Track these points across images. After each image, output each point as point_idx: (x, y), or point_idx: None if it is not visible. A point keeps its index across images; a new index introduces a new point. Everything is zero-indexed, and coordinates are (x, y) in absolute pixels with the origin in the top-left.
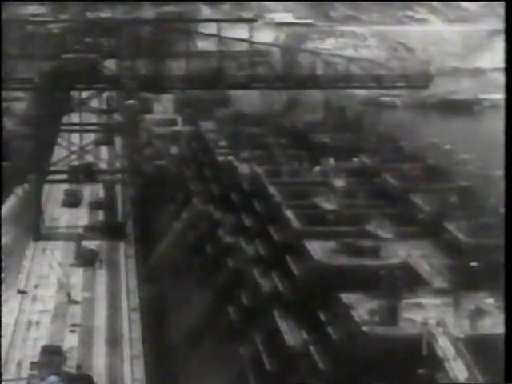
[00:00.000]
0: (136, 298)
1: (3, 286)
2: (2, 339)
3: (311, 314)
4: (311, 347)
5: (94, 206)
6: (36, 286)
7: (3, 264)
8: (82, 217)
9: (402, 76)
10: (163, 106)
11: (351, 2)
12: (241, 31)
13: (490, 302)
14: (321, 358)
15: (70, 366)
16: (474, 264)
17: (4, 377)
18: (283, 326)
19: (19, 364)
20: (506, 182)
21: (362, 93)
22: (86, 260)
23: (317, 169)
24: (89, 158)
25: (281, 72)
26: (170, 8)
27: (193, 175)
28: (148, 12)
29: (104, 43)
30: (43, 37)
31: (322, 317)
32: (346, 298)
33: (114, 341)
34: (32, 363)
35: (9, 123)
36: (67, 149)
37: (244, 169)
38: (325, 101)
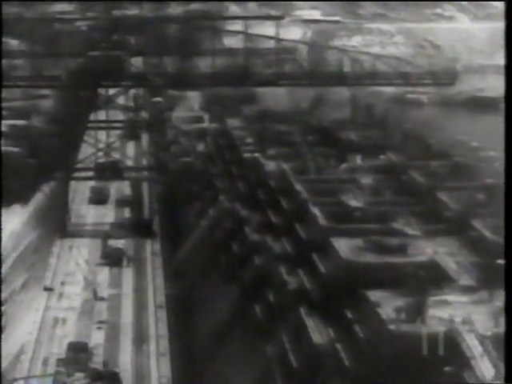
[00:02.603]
0: (162, 295)
1: (30, 282)
2: (29, 336)
3: (338, 311)
4: (338, 345)
5: (121, 203)
6: (62, 284)
7: (30, 261)
8: (108, 214)
9: (428, 73)
10: (190, 104)
11: (377, 1)
12: (268, 28)
13: None
14: (347, 356)
15: (97, 363)
16: (500, 261)
17: (31, 373)
18: (310, 323)
19: (45, 361)
20: (506, 181)
21: (388, 90)
22: (113, 259)
23: (344, 166)
24: (115, 156)
25: (308, 69)
26: (196, 5)
27: (219, 172)
28: (175, 9)
29: (131, 41)
30: (70, 35)
31: (349, 314)
32: (373, 295)
33: (140, 338)
34: (58, 360)
35: (36, 121)
36: (94, 146)
37: (271, 166)
38: (351, 98)
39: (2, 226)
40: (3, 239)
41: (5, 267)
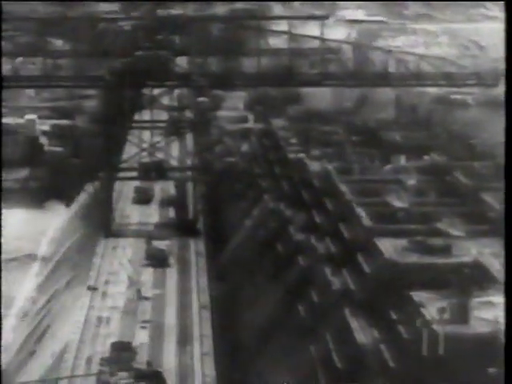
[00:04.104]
0: (206, 295)
1: (74, 282)
2: (73, 335)
3: (382, 312)
4: (382, 345)
5: (165, 203)
6: (106, 283)
7: (74, 261)
8: (152, 214)
9: (473, 74)
10: (234, 104)
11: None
12: (312, 28)
13: None
14: (391, 357)
15: (140, 362)
16: None
17: (74, 373)
18: (354, 324)
19: (89, 360)
20: (506, 181)
21: (433, 91)
22: (157, 261)
23: (388, 167)
24: (160, 156)
25: (352, 69)
26: (241, 5)
27: (264, 172)
28: (220, 9)
29: (175, 40)
30: (114, 34)
31: (393, 315)
32: (417, 296)
33: (184, 337)
34: (102, 359)
35: (80, 121)
36: (138, 146)
37: (315, 166)
38: (396, 98)
39: (47, 226)
40: (48, 239)
41: (49, 267)
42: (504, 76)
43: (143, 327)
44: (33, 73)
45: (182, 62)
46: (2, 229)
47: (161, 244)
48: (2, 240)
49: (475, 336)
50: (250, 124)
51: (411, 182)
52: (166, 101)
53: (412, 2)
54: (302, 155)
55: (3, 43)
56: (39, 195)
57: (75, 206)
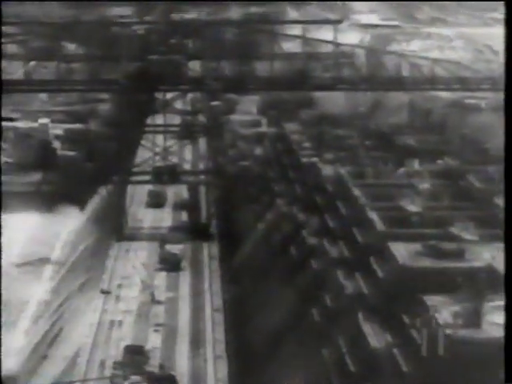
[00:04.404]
0: (219, 298)
1: (87, 285)
2: (86, 338)
3: (395, 316)
4: (395, 350)
5: (178, 207)
6: (119, 286)
7: (88, 264)
8: (165, 218)
9: (487, 78)
10: (248, 108)
11: (435, 1)
12: (326, 32)
13: None
14: (404, 361)
15: (153, 366)
16: None
17: (87, 376)
18: (367, 328)
19: (102, 364)
20: (506, 181)
21: (446, 95)
22: (170, 265)
23: (401, 171)
24: (173, 159)
25: (366, 73)
26: (255, 9)
27: (277, 176)
28: (233, 13)
29: (189, 44)
30: (128, 38)
31: (406, 319)
32: (430, 300)
33: (197, 341)
34: (115, 363)
35: (93, 125)
36: (151, 150)
37: (328, 170)
38: (409, 103)
39: (60, 229)
40: (61, 242)
41: (62, 270)
42: None
43: (156, 330)
44: (46, 77)
45: (195, 66)
46: (19, 233)
47: (174, 248)
48: (16, 244)
49: (488, 340)
50: (264, 128)
51: (425, 186)
52: (179, 105)
53: (425, 2)
54: (315, 159)
55: (17, 47)
56: (52, 199)
57: (88, 210)
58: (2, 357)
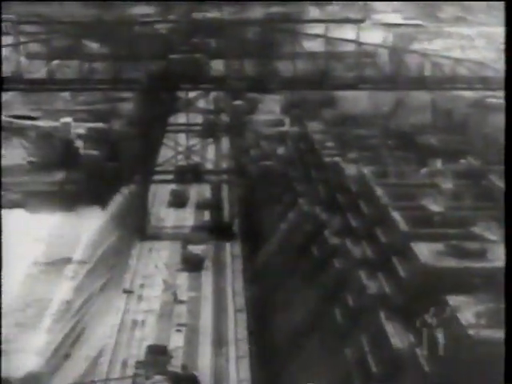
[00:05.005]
0: (242, 298)
1: (110, 284)
2: (109, 338)
3: (417, 316)
4: (417, 350)
5: (201, 206)
6: (142, 286)
7: (110, 263)
8: (188, 217)
9: None
10: (270, 107)
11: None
12: (348, 32)
13: None
14: (427, 361)
15: (176, 366)
16: None
17: (109, 376)
18: (389, 328)
19: (124, 363)
20: (506, 182)
21: (468, 94)
22: (193, 265)
23: (424, 170)
24: (195, 159)
25: (388, 73)
26: (277, 9)
27: (299, 176)
28: (255, 13)
29: (211, 44)
30: (150, 37)
31: (428, 319)
32: (452, 300)
33: (219, 341)
34: (137, 362)
35: (116, 124)
36: (174, 149)
37: (351, 170)
38: (432, 102)
39: (83, 229)
40: (84, 242)
41: (85, 270)
42: None
43: (178, 330)
44: (68, 76)
45: (217, 65)
46: (42, 232)
47: (196, 248)
48: (39, 244)
49: None
50: (286, 127)
51: (447, 185)
52: (201, 104)
53: (447, 2)
54: (337, 159)
55: (39, 46)
56: (75, 198)
57: (111, 209)
58: (25, 356)
